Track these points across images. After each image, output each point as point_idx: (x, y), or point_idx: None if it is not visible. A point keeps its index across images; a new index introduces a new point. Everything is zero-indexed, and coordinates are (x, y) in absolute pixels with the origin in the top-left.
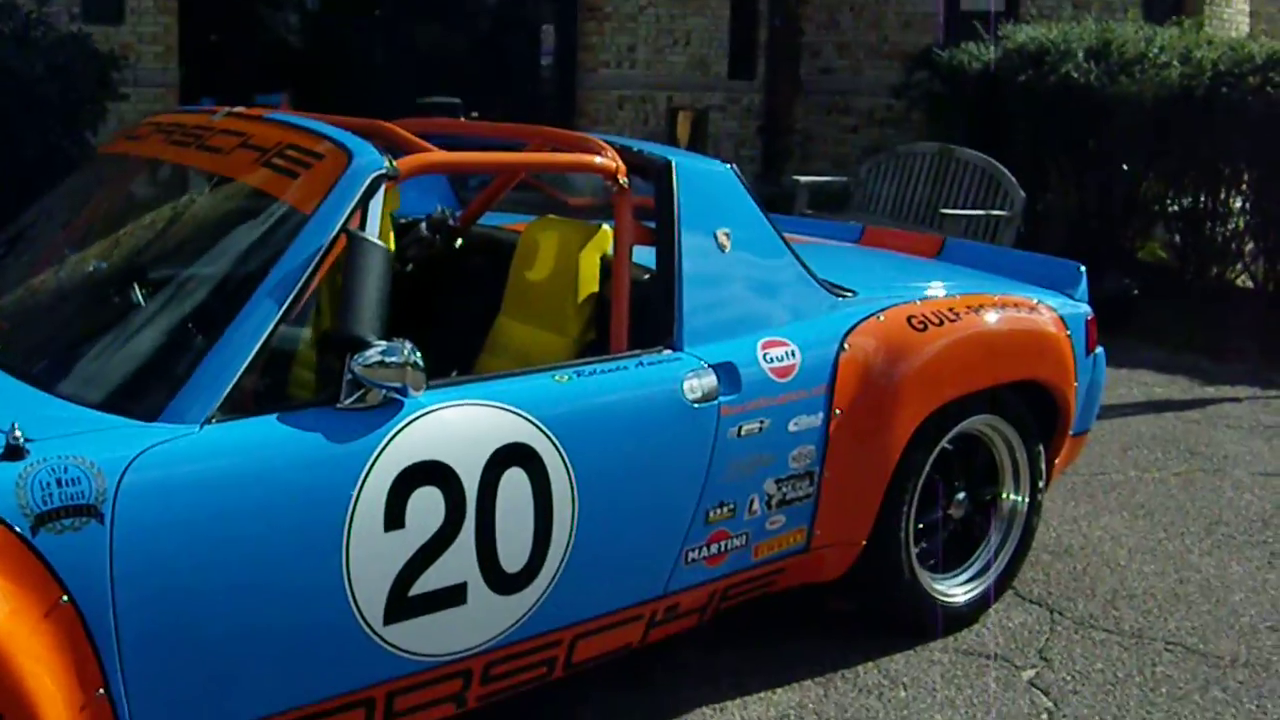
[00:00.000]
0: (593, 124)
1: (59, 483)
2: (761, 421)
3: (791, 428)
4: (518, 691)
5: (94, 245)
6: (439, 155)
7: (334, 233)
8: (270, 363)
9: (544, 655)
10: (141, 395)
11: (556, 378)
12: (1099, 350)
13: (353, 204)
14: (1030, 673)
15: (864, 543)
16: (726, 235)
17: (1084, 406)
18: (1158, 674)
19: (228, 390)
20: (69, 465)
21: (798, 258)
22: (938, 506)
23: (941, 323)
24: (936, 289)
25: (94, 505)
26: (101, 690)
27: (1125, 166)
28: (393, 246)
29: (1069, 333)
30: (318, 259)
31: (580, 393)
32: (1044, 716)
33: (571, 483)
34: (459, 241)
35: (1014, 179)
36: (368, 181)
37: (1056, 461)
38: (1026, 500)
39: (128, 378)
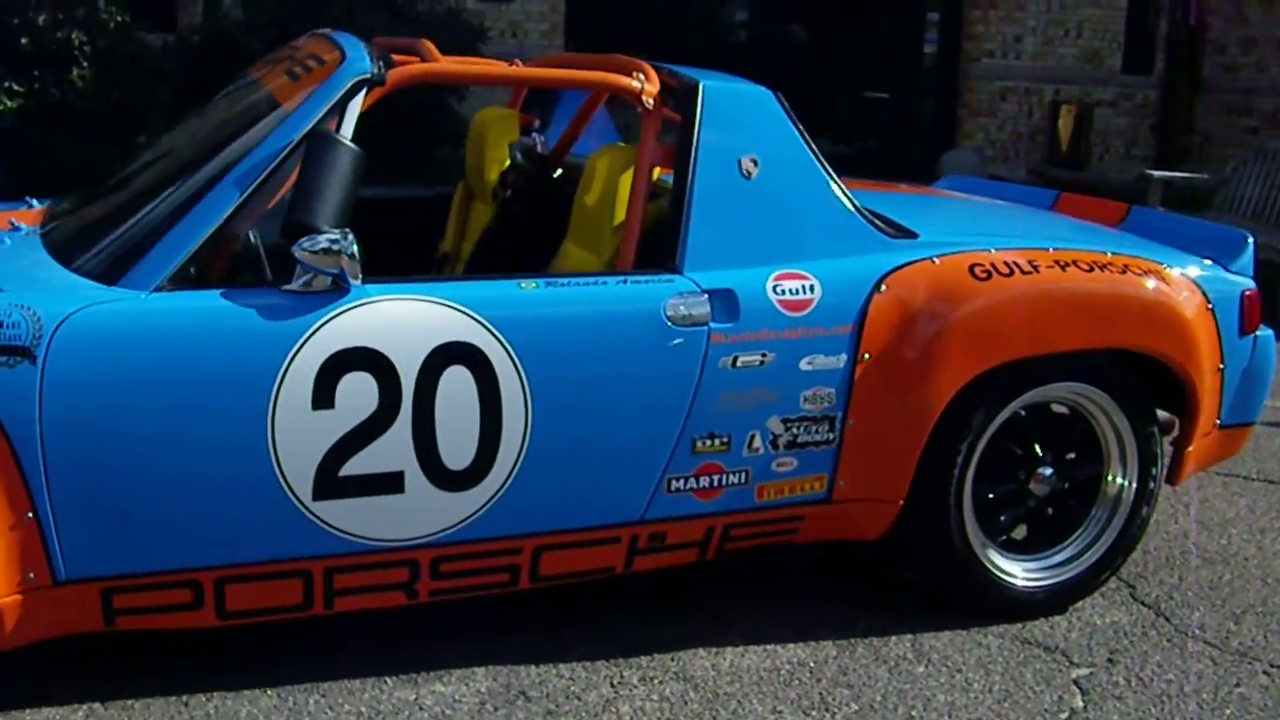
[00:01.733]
0: (973, 115)
1: (1, 325)
2: (763, 355)
3: (804, 366)
4: (478, 594)
5: (163, 148)
6: (436, 65)
7: (305, 130)
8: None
9: (502, 561)
10: (112, 265)
11: (522, 285)
12: (1264, 332)
13: (329, 105)
14: (1083, 671)
15: (900, 502)
16: (754, 162)
17: (1238, 394)
18: (1232, 694)
19: (179, 263)
20: (14, 312)
21: (844, 193)
22: (1015, 479)
23: (1011, 273)
24: (1033, 242)
25: (28, 348)
26: (30, 514)
27: None
28: (499, 169)
29: (1211, 306)
30: (285, 153)
31: (542, 301)
32: (1063, 715)
33: (524, 388)
34: (559, 171)
35: None
36: (348, 85)
37: (1190, 451)
38: (1133, 487)
39: (108, 251)
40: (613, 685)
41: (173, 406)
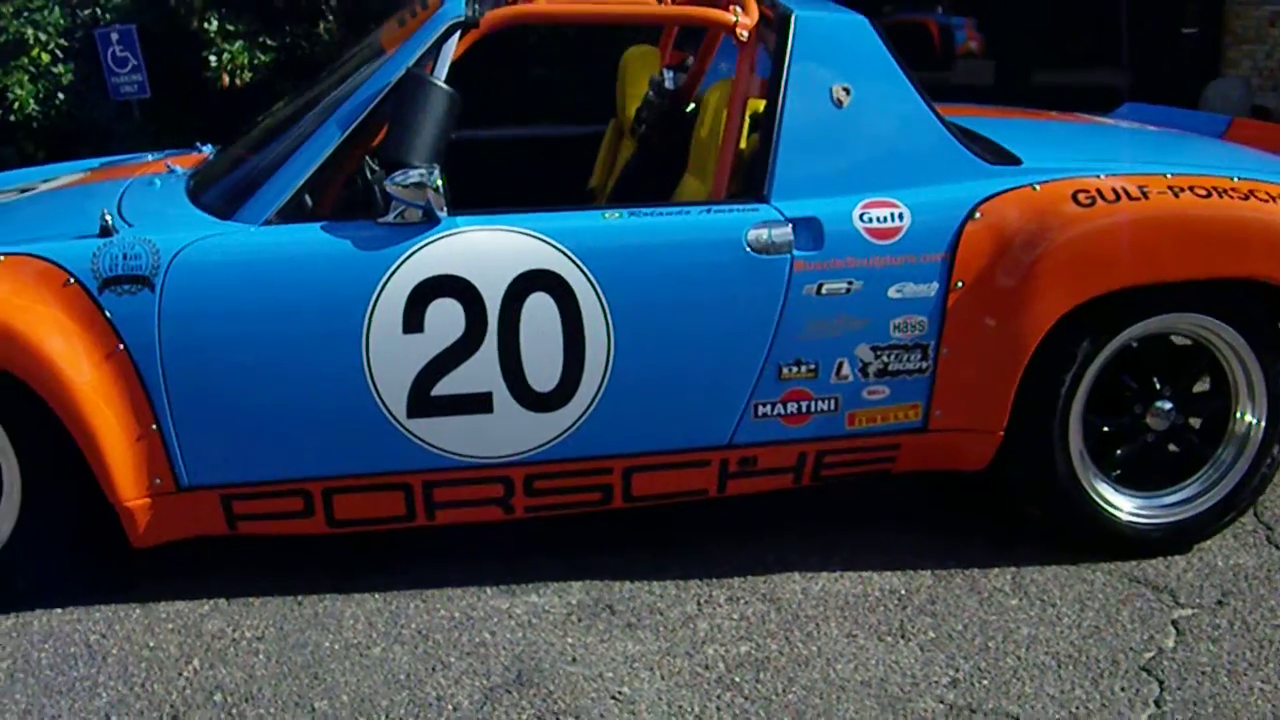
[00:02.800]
0: (1238, 42)
1: (125, 257)
2: (850, 282)
3: (893, 294)
4: (572, 511)
5: (298, 95)
6: (531, 6)
7: (400, 72)
8: None
9: (594, 480)
10: (230, 201)
11: (607, 215)
12: None
13: (424, 48)
14: (1185, 611)
15: (1000, 433)
16: (846, 90)
17: None
18: None
19: (287, 198)
20: (136, 244)
21: (941, 120)
22: (1131, 412)
23: (1118, 199)
24: (1149, 167)
25: (148, 276)
26: (155, 426)
27: None
28: (637, 106)
29: None
30: (382, 94)
31: (624, 230)
32: (1148, 654)
33: (606, 314)
34: (691, 106)
35: None
36: (443, 29)
37: None
38: (1263, 425)
39: (229, 189)
40: (699, 604)
41: (275, 330)
